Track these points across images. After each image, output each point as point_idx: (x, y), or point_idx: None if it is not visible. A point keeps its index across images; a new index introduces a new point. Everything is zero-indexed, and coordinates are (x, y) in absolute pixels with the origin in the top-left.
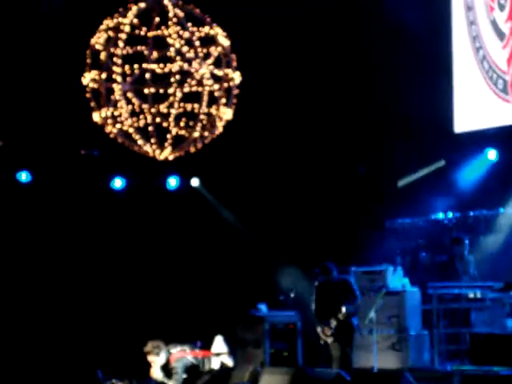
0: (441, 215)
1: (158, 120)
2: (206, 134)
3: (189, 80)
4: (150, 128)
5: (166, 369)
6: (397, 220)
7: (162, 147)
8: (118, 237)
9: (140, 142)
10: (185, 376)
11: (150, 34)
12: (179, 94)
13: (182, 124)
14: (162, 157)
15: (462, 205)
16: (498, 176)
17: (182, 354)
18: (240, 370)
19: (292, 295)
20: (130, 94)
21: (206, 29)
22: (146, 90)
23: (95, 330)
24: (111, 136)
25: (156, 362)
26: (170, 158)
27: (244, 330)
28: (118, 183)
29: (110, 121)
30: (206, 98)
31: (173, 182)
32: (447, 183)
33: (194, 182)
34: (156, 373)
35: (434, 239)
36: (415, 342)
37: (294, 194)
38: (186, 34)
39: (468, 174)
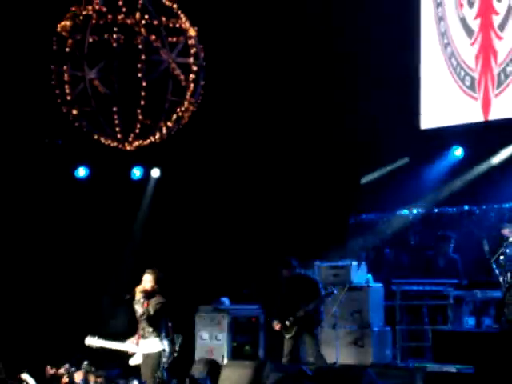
0: (405, 211)
1: (124, 109)
2: (171, 124)
3: (156, 69)
4: (116, 117)
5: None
6: (361, 216)
7: (127, 137)
8: (81, 226)
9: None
10: None
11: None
12: (145, 83)
13: (147, 113)
14: (128, 147)
15: (428, 201)
16: (464, 173)
17: None
18: (200, 363)
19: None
20: (96, 82)
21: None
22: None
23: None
24: (75, 124)
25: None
26: (134, 147)
27: (206, 323)
28: (81, 172)
29: (75, 110)
30: (172, 87)
31: (137, 172)
32: (413, 179)
33: (155, 172)
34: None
35: (399, 235)
36: (378, 338)
37: (260, 188)
38: (154, 23)
39: (434, 171)
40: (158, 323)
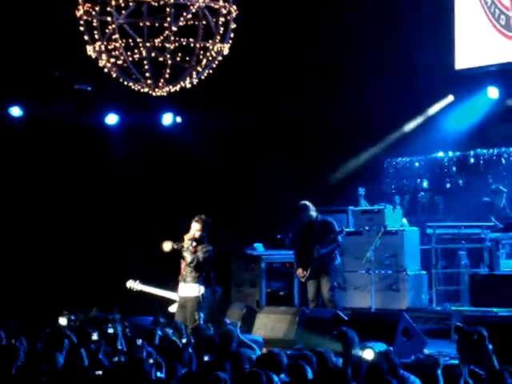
0: (440, 154)
1: (153, 54)
2: (201, 69)
3: (184, 13)
4: (145, 62)
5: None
6: (396, 159)
7: (157, 82)
8: (110, 173)
9: (134, 76)
10: None
11: None
12: (174, 28)
13: (177, 58)
14: (157, 92)
15: (462, 144)
16: (499, 114)
17: None
18: (235, 308)
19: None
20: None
21: None
22: (140, 24)
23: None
24: (105, 70)
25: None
26: (165, 93)
27: (240, 269)
28: (112, 119)
29: (104, 55)
30: (201, 31)
31: (167, 118)
32: (447, 121)
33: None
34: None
35: (434, 179)
36: (413, 282)
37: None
38: None
39: (468, 112)
40: (203, 270)
